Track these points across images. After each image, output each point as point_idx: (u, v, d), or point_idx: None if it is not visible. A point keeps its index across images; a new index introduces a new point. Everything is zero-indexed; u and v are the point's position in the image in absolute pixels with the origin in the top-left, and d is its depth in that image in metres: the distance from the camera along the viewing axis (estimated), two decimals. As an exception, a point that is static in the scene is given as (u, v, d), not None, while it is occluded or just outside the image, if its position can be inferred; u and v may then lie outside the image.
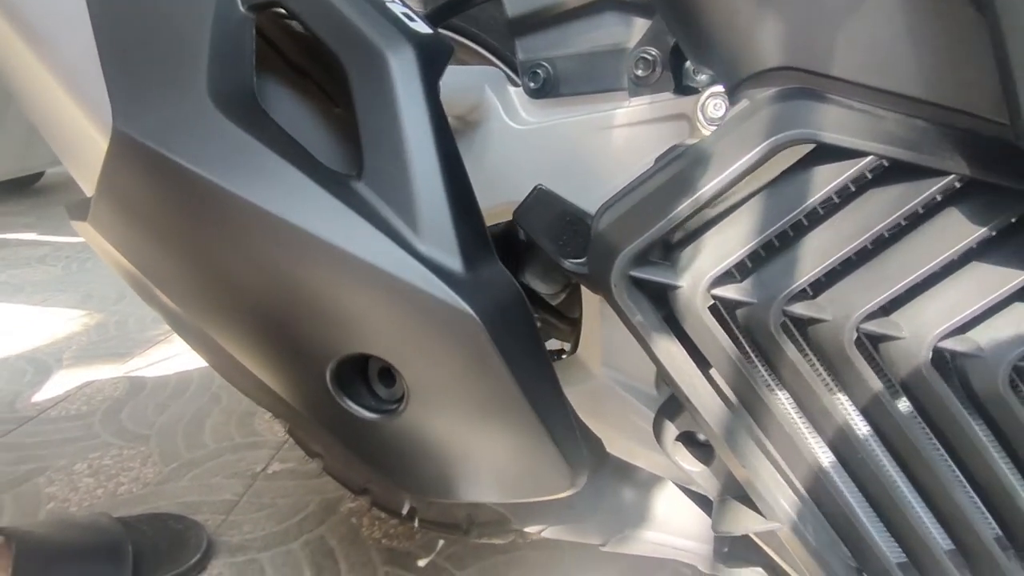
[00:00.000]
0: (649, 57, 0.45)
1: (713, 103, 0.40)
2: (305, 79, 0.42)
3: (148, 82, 0.34)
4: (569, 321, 0.65)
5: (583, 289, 0.55)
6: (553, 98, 0.50)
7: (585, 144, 0.48)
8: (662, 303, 0.34)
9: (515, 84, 0.52)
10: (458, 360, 0.33)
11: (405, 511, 0.71)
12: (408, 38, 0.36)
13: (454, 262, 0.33)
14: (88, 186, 0.41)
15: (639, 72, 0.46)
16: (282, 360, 0.36)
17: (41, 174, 3.13)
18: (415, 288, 0.32)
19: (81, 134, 0.38)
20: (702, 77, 0.46)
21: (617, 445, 0.50)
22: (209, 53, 0.35)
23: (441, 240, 0.33)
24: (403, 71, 0.35)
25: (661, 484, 0.52)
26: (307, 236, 0.32)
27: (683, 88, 0.45)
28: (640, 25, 0.47)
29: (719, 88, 0.39)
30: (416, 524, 0.71)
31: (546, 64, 0.50)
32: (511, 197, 0.49)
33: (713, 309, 0.33)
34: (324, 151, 0.37)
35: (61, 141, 0.42)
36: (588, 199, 0.46)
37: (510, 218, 0.51)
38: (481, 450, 0.35)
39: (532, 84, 0.49)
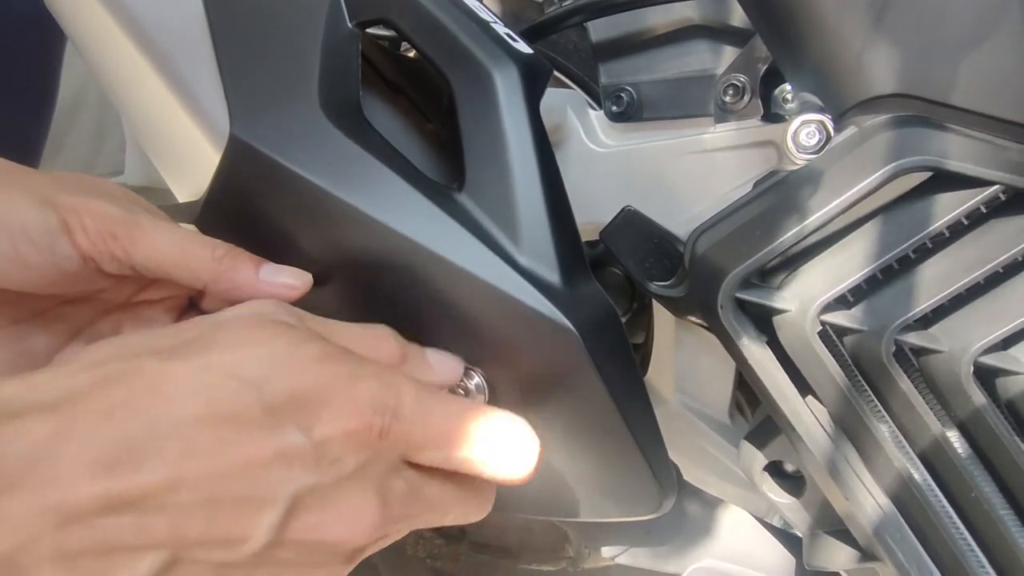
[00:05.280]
0: (739, 83, 0.45)
1: (806, 131, 0.39)
2: (400, 95, 0.43)
3: (264, 91, 0.35)
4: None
5: (655, 313, 0.55)
6: (635, 122, 0.50)
7: (668, 168, 0.48)
8: (763, 327, 0.33)
9: (594, 108, 0.53)
10: (554, 373, 0.33)
11: (456, 531, 0.71)
12: (512, 57, 0.36)
13: (553, 276, 0.33)
14: (187, 191, 0.43)
15: (727, 98, 0.46)
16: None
17: (100, 184, 3.23)
18: (514, 299, 0.32)
19: (189, 140, 0.40)
20: (791, 105, 0.45)
21: (689, 473, 0.49)
22: (320, 65, 0.36)
23: (541, 253, 0.34)
24: (508, 89, 0.35)
25: (738, 514, 0.51)
26: (411, 244, 0.33)
27: (771, 116, 0.45)
28: (729, 52, 0.47)
29: (811, 116, 0.39)
30: (465, 546, 0.71)
31: (630, 88, 0.50)
32: (589, 218, 0.49)
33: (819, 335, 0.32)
34: (421, 163, 0.38)
35: (164, 146, 0.44)
36: (670, 223, 0.46)
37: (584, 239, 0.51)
38: (571, 466, 0.35)
39: (615, 108, 0.50)
